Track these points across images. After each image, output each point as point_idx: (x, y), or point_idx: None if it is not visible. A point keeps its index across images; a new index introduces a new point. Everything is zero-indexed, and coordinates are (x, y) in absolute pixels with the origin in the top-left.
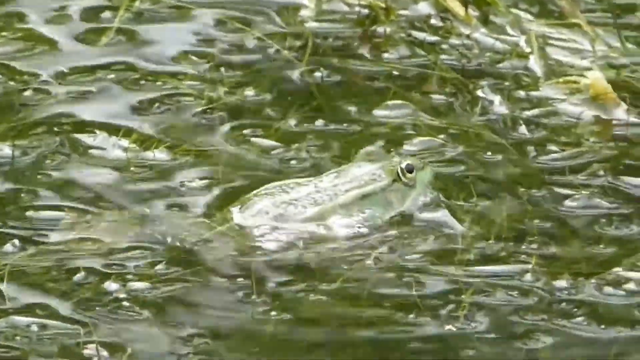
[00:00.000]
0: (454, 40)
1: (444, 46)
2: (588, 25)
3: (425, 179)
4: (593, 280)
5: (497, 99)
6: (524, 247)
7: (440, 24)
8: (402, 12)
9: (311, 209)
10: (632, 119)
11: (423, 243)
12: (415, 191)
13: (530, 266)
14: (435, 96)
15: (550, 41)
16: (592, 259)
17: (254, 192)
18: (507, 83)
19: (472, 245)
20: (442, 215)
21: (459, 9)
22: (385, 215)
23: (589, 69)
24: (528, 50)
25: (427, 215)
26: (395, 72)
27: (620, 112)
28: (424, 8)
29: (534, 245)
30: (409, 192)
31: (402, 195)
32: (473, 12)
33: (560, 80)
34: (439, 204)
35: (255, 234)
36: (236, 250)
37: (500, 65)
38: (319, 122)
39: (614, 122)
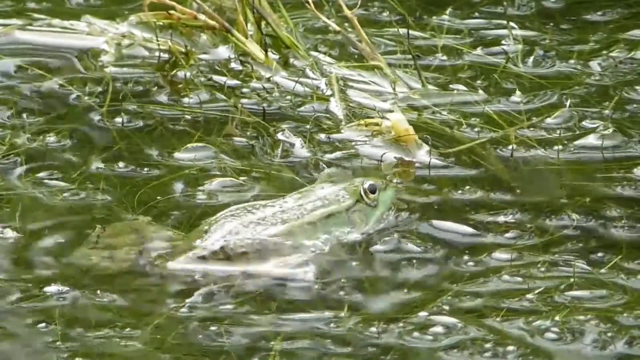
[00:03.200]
0: (254, 84)
1: (245, 90)
2: (388, 68)
3: (387, 199)
4: (400, 325)
5: (298, 141)
6: (334, 292)
7: (241, 67)
8: (202, 56)
9: (279, 226)
10: (434, 160)
11: (240, 289)
12: (378, 211)
13: (342, 313)
14: (236, 139)
15: (351, 84)
16: (399, 303)
17: (218, 215)
18: (308, 126)
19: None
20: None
21: (259, 53)
22: (349, 235)
23: (390, 111)
24: (329, 93)
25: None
26: (196, 116)
27: (422, 154)
28: (223, 52)
29: (342, 292)
30: (372, 212)
31: (365, 215)
32: (273, 56)
33: (362, 122)
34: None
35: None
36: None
37: (301, 108)
38: (121, 167)
39: (416, 163)
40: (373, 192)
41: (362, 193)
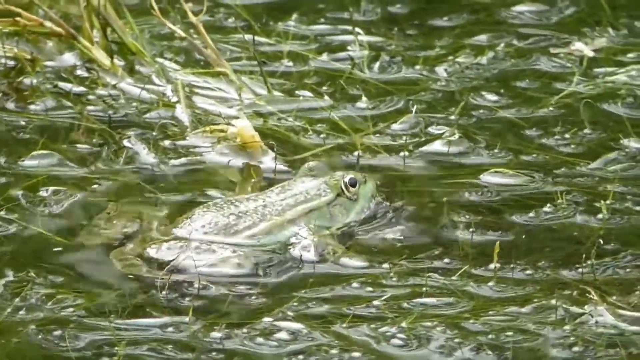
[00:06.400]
0: (100, 91)
1: (91, 97)
2: (234, 74)
3: (367, 192)
4: (244, 330)
5: (143, 148)
6: (179, 296)
7: (87, 74)
8: (48, 63)
9: (261, 224)
10: (280, 166)
11: (77, 298)
12: (358, 204)
13: (186, 318)
14: (82, 146)
15: (197, 90)
16: (244, 309)
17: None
18: (154, 133)
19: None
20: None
21: (105, 59)
22: (331, 228)
23: (236, 117)
24: (174, 99)
25: None
26: (42, 124)
27: (268, 160)
28: (70, 59)
29: (187, 297)
30: (353, 205)
31: (345, 209)
32: (119, 62)
33: (207, 129)
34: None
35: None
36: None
37: (147, 115)
38: None
39: (262, 169)
40: (353, 185)
41: (343, 187)
